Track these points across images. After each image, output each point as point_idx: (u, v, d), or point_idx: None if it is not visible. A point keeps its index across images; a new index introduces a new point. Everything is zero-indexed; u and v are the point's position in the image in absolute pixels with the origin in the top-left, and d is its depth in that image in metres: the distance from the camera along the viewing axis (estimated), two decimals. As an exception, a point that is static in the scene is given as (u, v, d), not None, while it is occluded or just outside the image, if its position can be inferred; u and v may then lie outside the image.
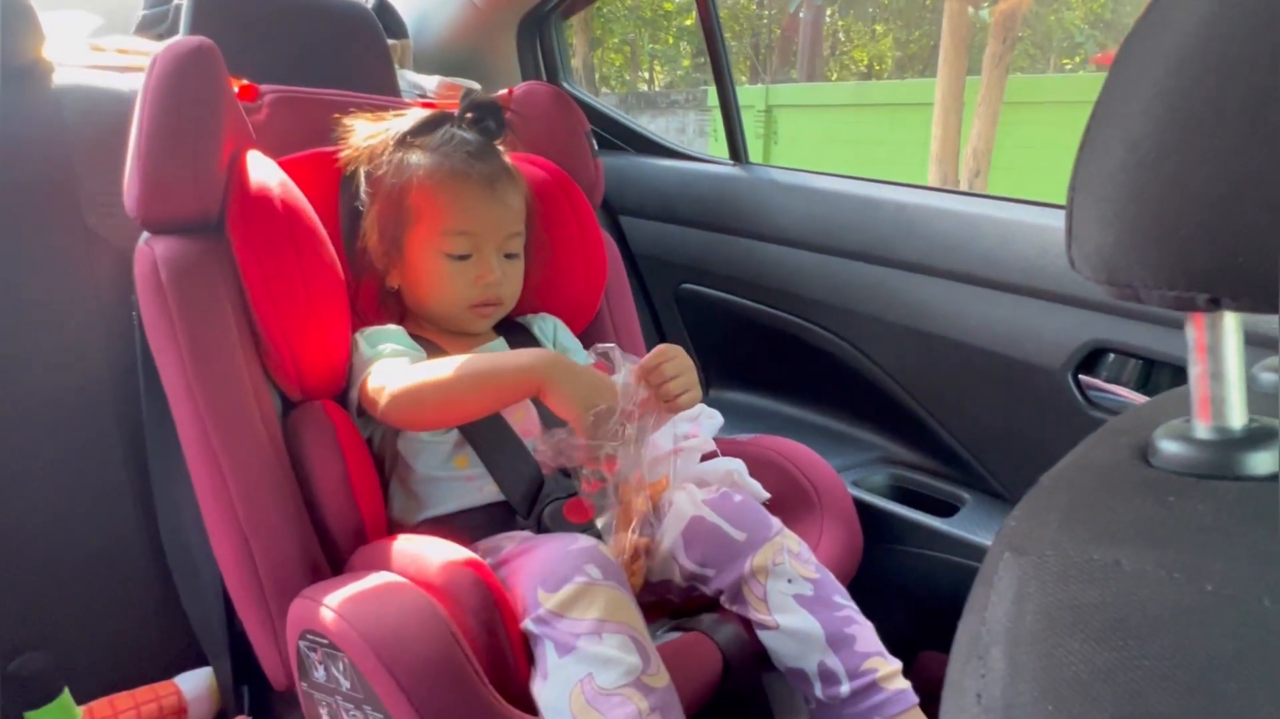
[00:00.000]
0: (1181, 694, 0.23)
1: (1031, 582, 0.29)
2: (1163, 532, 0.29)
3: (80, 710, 0.86)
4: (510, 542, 0.81)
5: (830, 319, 1.22)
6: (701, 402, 1.06)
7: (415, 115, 0.96)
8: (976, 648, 0.28)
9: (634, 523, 0.80)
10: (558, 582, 0.69)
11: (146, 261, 0.83)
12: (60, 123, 1.02)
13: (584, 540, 0.74)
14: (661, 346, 0.81)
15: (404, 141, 0.93)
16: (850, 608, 0.81)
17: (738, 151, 1.38)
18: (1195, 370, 0.33)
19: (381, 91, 1.17)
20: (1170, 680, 0.24)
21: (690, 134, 7.07)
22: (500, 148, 0.98)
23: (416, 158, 0.92)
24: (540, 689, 0.68)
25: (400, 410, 0.82)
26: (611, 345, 0.82)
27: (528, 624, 0.70)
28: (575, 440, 0.75)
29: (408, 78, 1.42)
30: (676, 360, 0.80)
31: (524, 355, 0.83)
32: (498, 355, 0.88)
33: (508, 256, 0.95)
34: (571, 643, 0.67)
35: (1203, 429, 0.33)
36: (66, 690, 0.84)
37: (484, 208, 0.91)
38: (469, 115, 0.96)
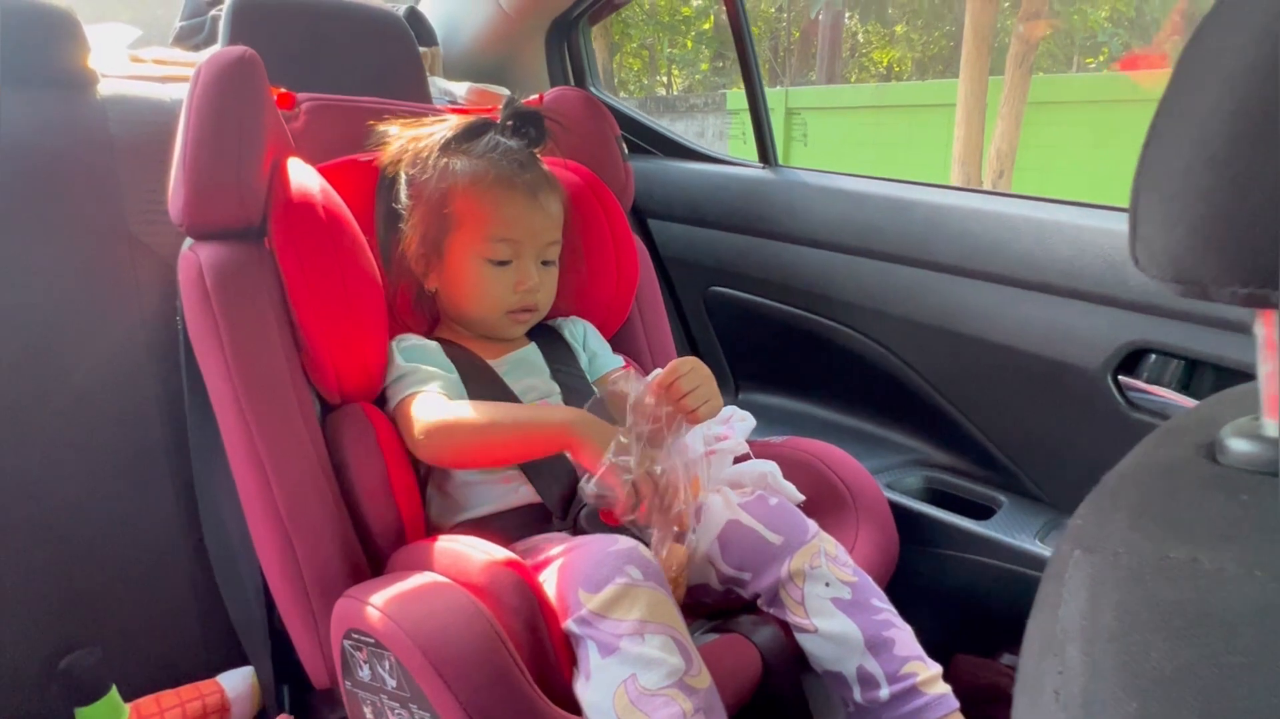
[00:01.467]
0: (1269, 692, 0.23)
1: (1106, 579, 0.29)
2: (1239, 529, 0.29)
3: (128, 708, 0.88)
4: (549, 543, 0.81)
5: (862, 321, 1.22)
6: (733, 404, 1.06)
7: (458, 121, 0.97)
8: (1051, 645, 0.28)
9: (684, 533, 0.80)
10: (599, 583, 0.70)
11: (191, 267, 0.85)
12: (105, 132, 1.04)
13: (624, 542, 0.75)
14: (676, 361, 0.81)
15: (448, 147, 0.94)
16: (888, 611, 0.80)
17: (767, 154, 1.38)
18: (1265, 368, 0.33)
19: (413, 98, 1.19)
20: (1257, 678, 0.23)
21: (710, 137, 7.08)
22: (538, 154, 0.99)
23: (461, 164, 0.93)
24: (584, 689, 0.69)
25: (434, 449, 0.84)
26: (624, 373, 0.83)
27: (570, 625, 0.71)
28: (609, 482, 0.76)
29: (438, 84, 1.43)
30: (693, 373, 0.80)
31: (558, 412, 0.85)
32: (532, 409, 0.90)
33: (545, 264, 0.96)
34: (614, 644, 0.68)
35: (1273, 427, 0.33)
36: (114, 688, 0.86)
37: (527, 216, 0.92)
38: (510, 123, 0.97)
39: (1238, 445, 0.33)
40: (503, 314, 0.95)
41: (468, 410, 0.84)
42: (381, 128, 0.98)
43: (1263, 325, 0.33)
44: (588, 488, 0.77)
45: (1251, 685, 0.23)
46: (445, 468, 0.89)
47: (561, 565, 0.74)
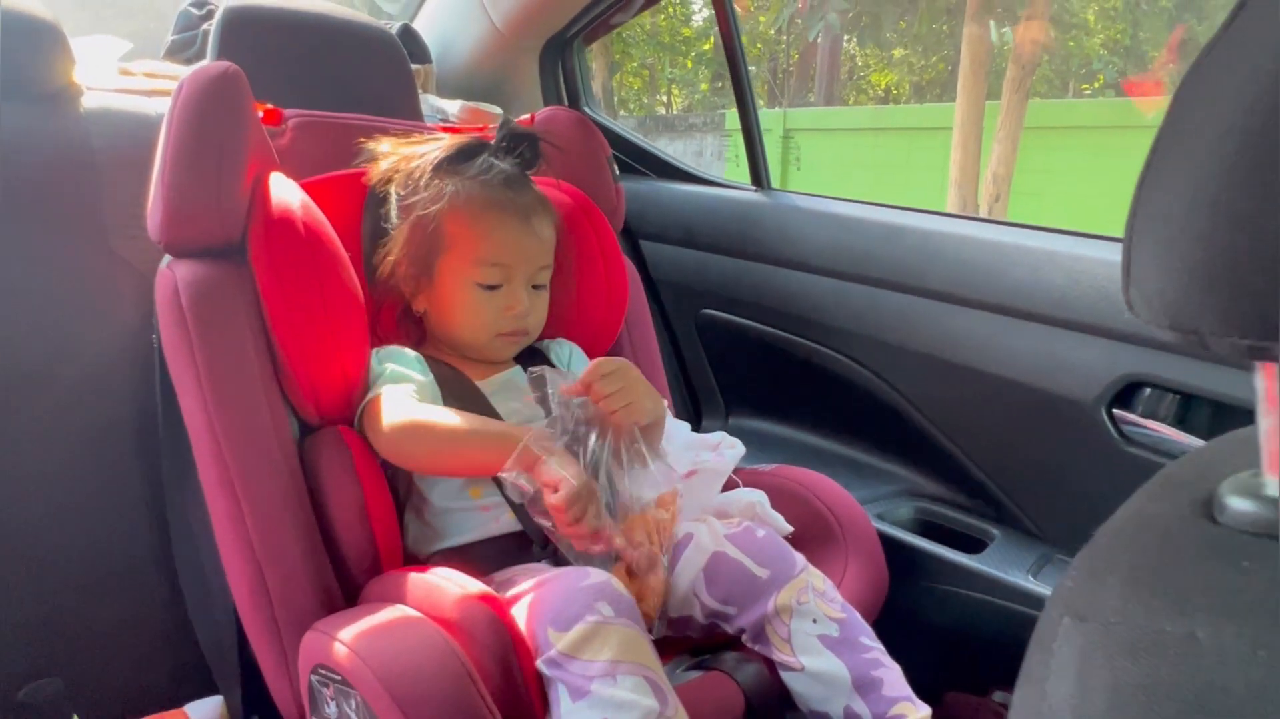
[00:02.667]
0: (1275, 789, 0.21)
1: (1097, 653, 0.27)
2: (1241, 601, 0.27)
3: (89, 739, 0.85)
4: (525, 574, 0.79)
5: (854, 347, 1.20)
6: (722, 429, 1.04)
7: (451, 141, 0.95)
8: None
9: (645, 559, 0.78)
10: (568, 621, 0.67)
11: (167, 285, 0.83)
12: (88, 146, 1.03)
13: (596, 576, 0.72)
14: (599, 360, 0.80)
15: (441, 168, 0.92)
16: (877, 649, 0.78)
17: (760, 177, 1.37)
18: (1266, 423, 0.31)
19: (405, 116, 1.18)
20: None
21: (708, 157, 7.10)
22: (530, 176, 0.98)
23: (453, 185, 0.91)
24: None
25: (399, 447, 0.82)
26: (544, 369, 0.81)
27: (540, 665, 0.68)
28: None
29: (431, 102, 1.42)
30: (616, 374, 0.79)
31: (516, 428, 0.82)
32: (491, 422, 0.86)
33: (536, 288, 0.95)
34: (585, 687, 0.65)
35: (1274, 485, 0.31)
36: (76, 717, 0.83)
37: (519, 240, 0.91)
38: (505, 144, 0.95)
39: (1238, 504, 0.31)
40: (492, 338, 0.93)
41: (439, 414, 0.82)
42: (371, 145, 0.97)
43: (1263, 378, 0.31)
44: (505, 477, 0.74)
45: None
46: (413, 476, 0.87)
47: (531, 601, 0.71)
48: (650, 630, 0.75)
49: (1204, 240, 0.29)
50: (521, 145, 0.96)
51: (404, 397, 0.85)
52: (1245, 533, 0.30)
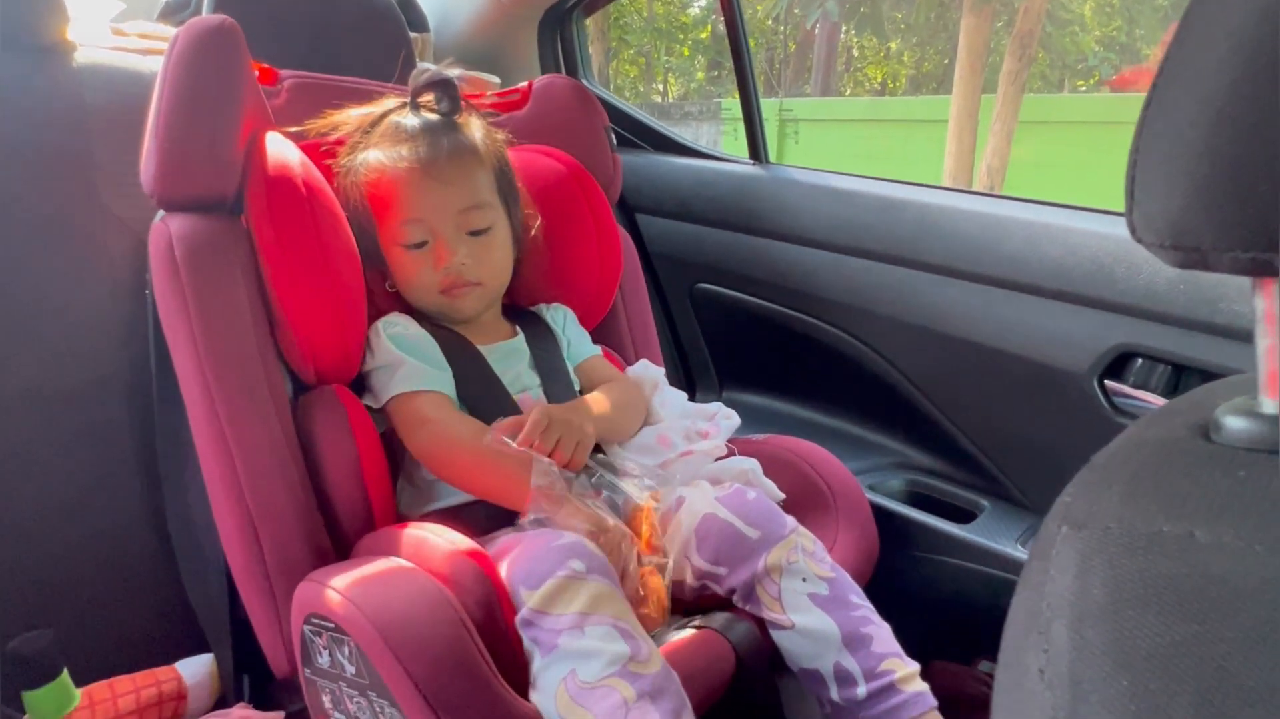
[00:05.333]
0: (1272, 668, 0.21)
1: (1096, 555, 0.27)
2: (1237, 504, 0.27)
3: (79, 692, 0.84)
4: (505, 537, 0.78)
5: (849, 321, 1.21)
6: (718, 402, 1.04)
7: (363, 112, 0.94)
8: (1036, 623, 0.27)
9: (656, 556, 0.78)
10: (539, 578, 0.67)
11: (161, 238, 0.82)
12: (80, 101, 1.01)
13: (568, 536, 0.72)
14: (528, 420, 0.79)
15: (356, 143, 0.92)
16: (866, 607, 0.79)
17: (758, 151, 1.37)
18: (1264, 343, 0.31)
19: (402, 83, 1.17)
20: (1259, 654, 0.22)
21: (703, 145, 7.08)
22: (462, 122, 0.94)
23: (362, 157, 0.91)
24: (534, 697, 0.66)
25: (433, 460, 0.84)
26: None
27: (517, 625, 0.68)
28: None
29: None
30: (549, 429, 0.79)
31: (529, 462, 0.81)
32: (509, 455, 0.80)
33: (474, 234, 0.91)
34: (553, 641, 0.65)
35: (1270, 404, 0.31)
36: (66, 672, 0.83)
37: (424, 190, 0.88)
38: (422, 100, 0.93)
39: (1234, 423, 0.31)
40: (437, 295, 0.91)
41: (475, 439, 0.82)
42: (337, 116, 0.94)
43: (1263, 298, 0.31)
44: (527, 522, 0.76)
45: (1255, 661, 0.22)
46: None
47: (507, 562, 0.71)
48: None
49: (1209, 154, 0.29)
50: (438, 96, 0.92)
51: (446, 405, 0.86)
52: (1241, 448, 0.31)
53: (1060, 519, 0.30)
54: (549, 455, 0.77)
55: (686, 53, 9.93)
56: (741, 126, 1.37)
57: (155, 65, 1.09)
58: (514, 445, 0.78)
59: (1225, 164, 0.29)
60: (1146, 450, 0.33)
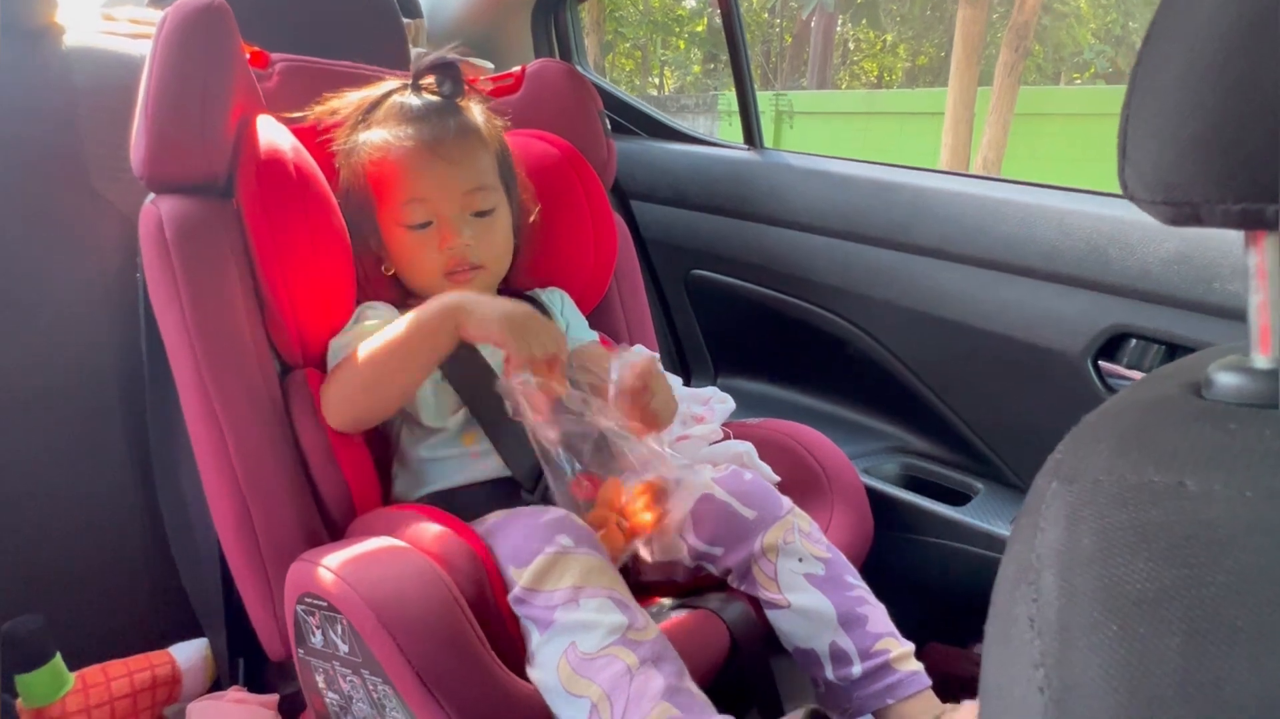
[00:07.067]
0: (1262, 609, 0.21)
1: (1085, 506, 0.27)
2: (1228, 455, 0.27)
3: (72, 676, 0.84)
4: (495, 518, 0.78)
5: (843, 305, 1.20)
6: (713, 387, 1.04)
7: (364, 93, 0.93)
8: (1026, 573, 0.27)
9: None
10: (528, 555, 0.67)
11: (151, 220, 0.82)
12: (69, 84, 1.00)
13: (554, 512, 0.72)
14: (646, 371, 0.79)
15: (357, 124, 0.91)
16: (862, 588, 0.79)
17: (753, 136, 1.36)
18: (1255, 299, 0.31)
19: (395, 68, 1.16)
20: (1249, 596, 0.22)
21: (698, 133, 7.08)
22: (463, 106, 0.93)
23: (364, 136, 0.90)
24: (532, 672, 0.66)
25: (334, 409, 0.80)
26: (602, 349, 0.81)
27: (511, 604, 0.68)
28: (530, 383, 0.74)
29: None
30: (663, 393, 0.80)
31: (431, 302, 0.80)
32: (410, 314, 0.81)
33: (478, 215, 0.90)
34: (549, 617, 0.65)
35: (1262, 360, 0.31)
36: (58, 655, 0.82)
37: (430, 170, 0.87)
38: (424, 81, 0.92)
39: (1226, 379, 0.31)
40: (440, 277, 0.90)
41: (357, 355, 0.79)
42: (334, 102, 0.94)
43: (1254, 252, 0.31)
44: (499, 386, 0.75)
45: (1244, 603, 0.22)
46: (402, 427, 0.86)
47: (495, 542, 0.71)
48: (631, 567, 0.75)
49: (1201, 108, 0.29)
50: (440, 78, 0.91)
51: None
52: (1233, 404, 0.31)
53: (1051, 475, 0.30)
54: (644, 409, 0.77)
55: (683, 45, 9.92)
56: (738, 119, 1.37)
57: (145, 49, 1.08)
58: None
59: (1215, 118, 0.28)
60: (1138, 408, 0.33)
